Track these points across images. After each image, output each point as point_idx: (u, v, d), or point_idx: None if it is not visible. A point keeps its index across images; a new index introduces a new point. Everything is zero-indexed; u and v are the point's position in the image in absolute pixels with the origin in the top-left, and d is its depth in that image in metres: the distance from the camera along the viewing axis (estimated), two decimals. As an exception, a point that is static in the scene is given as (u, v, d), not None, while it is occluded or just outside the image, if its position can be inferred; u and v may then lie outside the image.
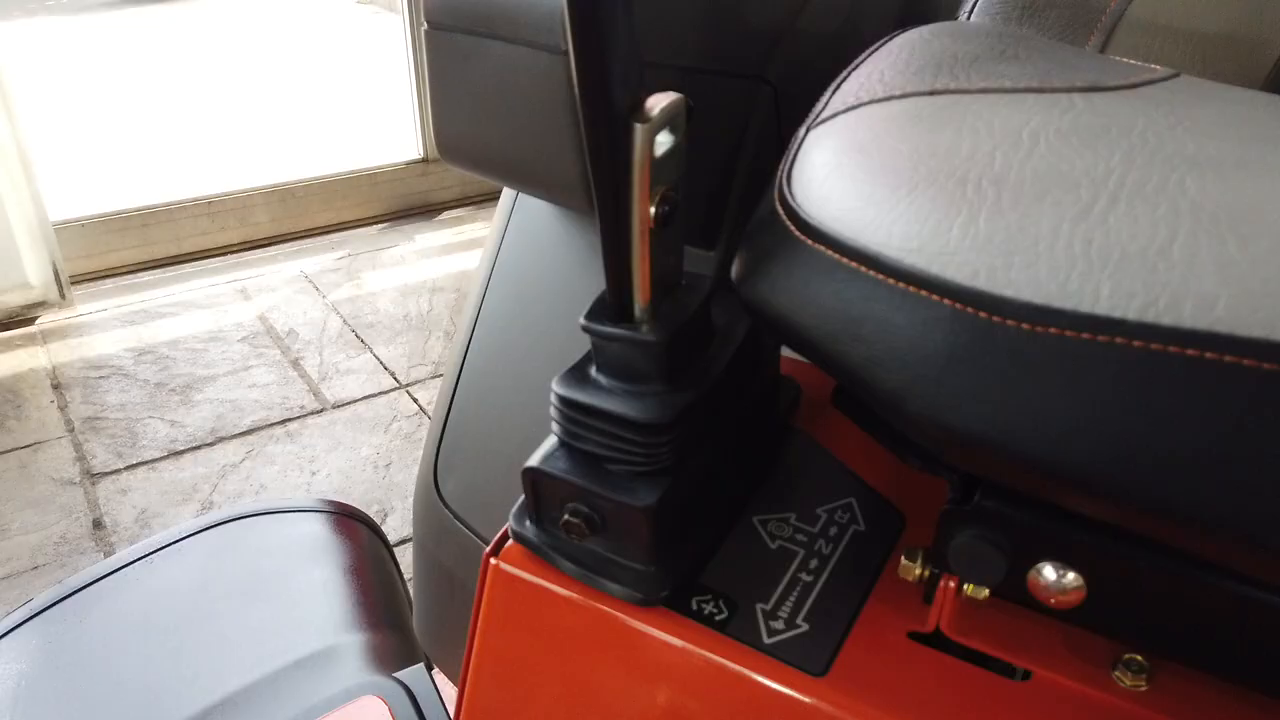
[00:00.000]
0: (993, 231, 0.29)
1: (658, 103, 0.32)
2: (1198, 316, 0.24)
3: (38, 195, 2.01)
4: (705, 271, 0.43)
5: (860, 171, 0.33)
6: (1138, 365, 0.25)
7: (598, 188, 0.32)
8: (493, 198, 2.80)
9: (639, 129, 0.31)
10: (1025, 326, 0.27)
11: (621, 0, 0.29)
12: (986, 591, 0.35)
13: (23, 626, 0.85)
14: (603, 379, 0.38)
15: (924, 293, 0.29)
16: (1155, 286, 0.25)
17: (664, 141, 0.33)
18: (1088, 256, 0.27)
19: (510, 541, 0.42)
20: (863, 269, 0.31)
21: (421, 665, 0.78)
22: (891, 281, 0.30)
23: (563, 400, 0.38)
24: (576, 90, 0.30)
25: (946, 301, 0.28)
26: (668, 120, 0.32)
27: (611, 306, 0.36)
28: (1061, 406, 0.26)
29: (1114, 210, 0.28)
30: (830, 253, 0.32)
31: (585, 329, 0.37)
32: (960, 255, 0.29)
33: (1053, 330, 0.26)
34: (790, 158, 0.36)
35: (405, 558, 1.41)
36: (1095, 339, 0.26)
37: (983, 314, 0.27)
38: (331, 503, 1.01)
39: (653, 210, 0.33)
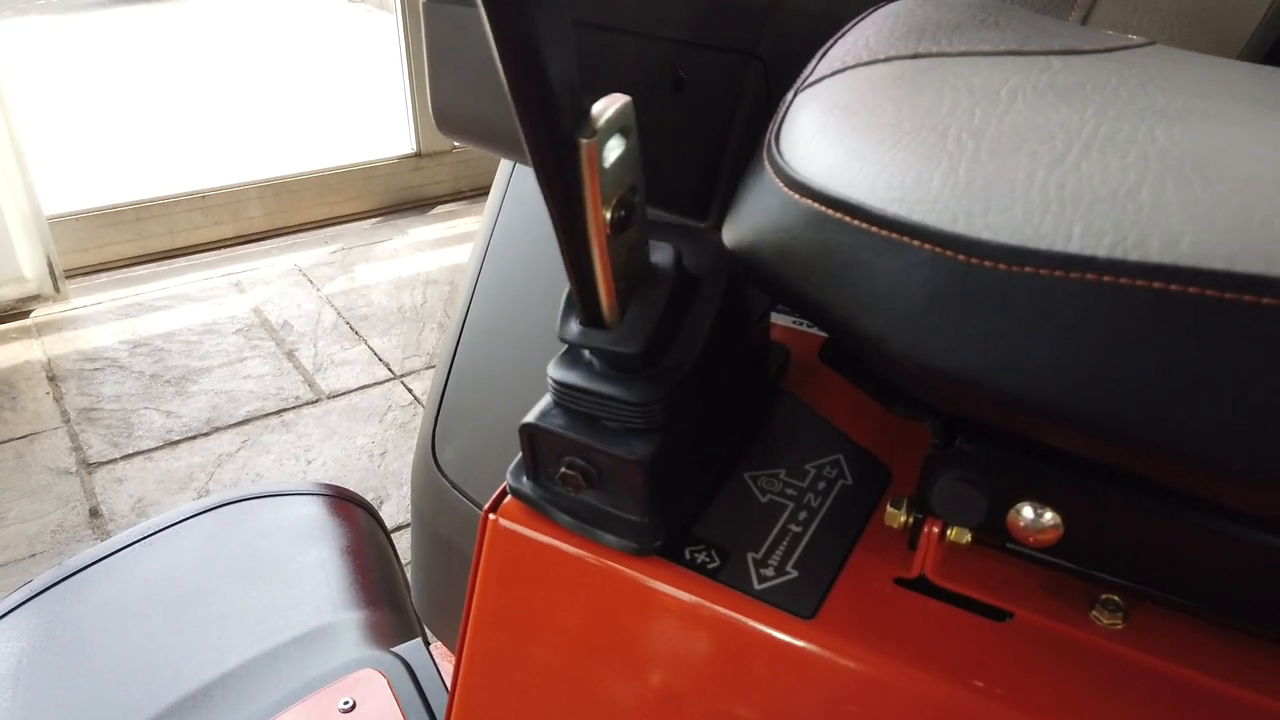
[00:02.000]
0: (971, 180, 0.30)
1: (603, 110, 0.31)
2: (1164, 251, 0.26)
3: (32, 189, 2.01)
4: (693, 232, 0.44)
5: (846, 129, 0.34)
6: (1108, 299, 0.26)
7: (551, 205, 0.32)
8: (485, 192, 2.81)
9: (584, 145, 0.30)
10: (1002, 267, 0.28)
11: (548, 20, 0.28)
12: (969, 536, 0.37)
13: (23, 606, 0.86)
14: (596, 362, 0.39)
15: (906, 239, 0.30)
16: (1124, 225, 0.27)
17: (614, 147, 0.32)
18: (1061, 200, 0.28)
19: (508, 498, 0.43)
20: (848, 219, 0.32)
21: (419, 640, 0.79)
22: (875, 230, 0.31)
23: (559, 384, 0.39)
24: (515, 115, 0.29)
25: (927, 246, 0.29)
26: (614, 129, 0.32)
27: (581, 312, 0.37)
28: (1037, 342, 0.27)
29: (1086, 158, 0.29)
30: (817, 206, 0.33)
31: (561, 339, 0.38)
32: (940, 203, 0.30)
33: (1028, 269, 0.28)
34: (779, 119, 0.38)
35: (401, 543, 1.42)
36: (1068, 276, 0.27)
37: (961, 256, 0.29)
38: (328, 486, 1.02)
39: (609, 216, 0.33)
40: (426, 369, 1.91)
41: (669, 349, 0.39)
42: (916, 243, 0.30)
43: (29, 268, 2.06)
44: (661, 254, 0.39)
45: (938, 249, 0.29)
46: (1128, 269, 0.26)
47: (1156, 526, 0.32)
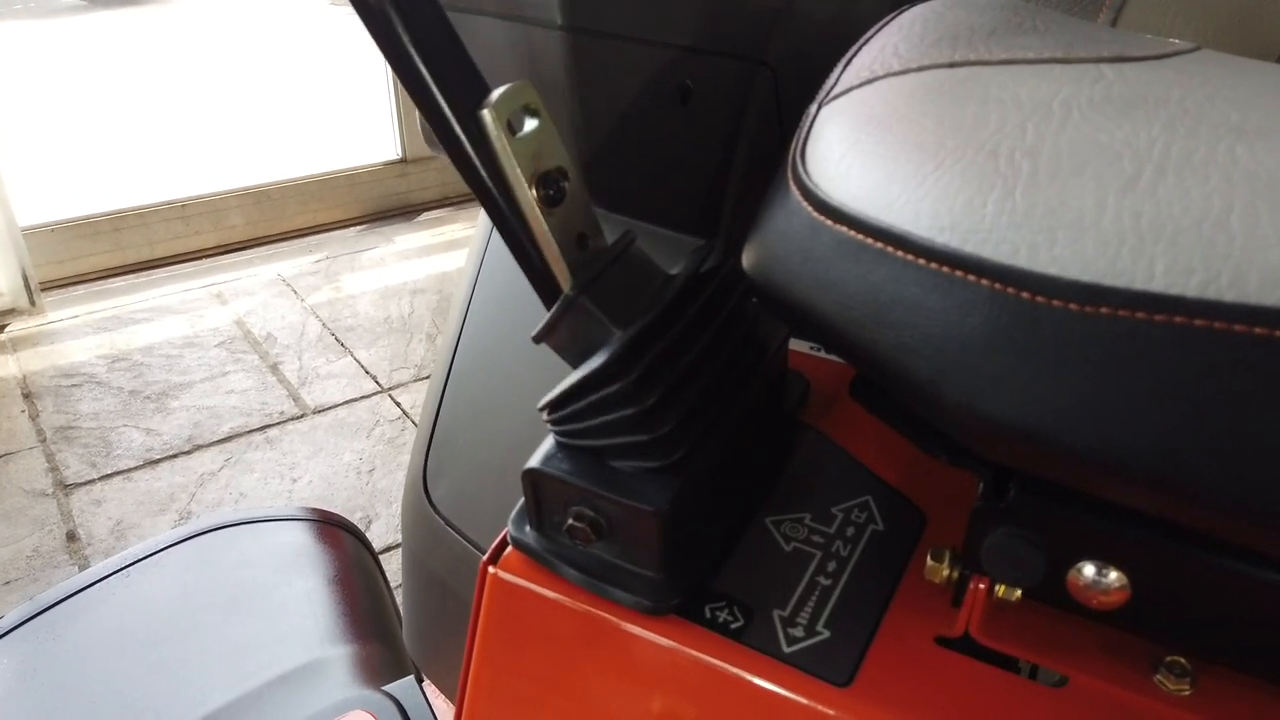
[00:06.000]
0: (1031, 206, 0.27)
1: (498, 90, 0.34)
2: (1265, 291, 0.23)
3: (6, 200, 1.95)
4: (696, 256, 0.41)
5: (881, 147, 0.31)
6: (1201, 346, 0.23)
7: (475, 188, 0.34)
8: (473, 198, 2.77)
9: (484, 114, 0.33)
10: (1073, 307, 0.25)
11: (422, 23, 0.32)
12: (1019, 592, 0.33)
13: (-7, 645, 0.82)
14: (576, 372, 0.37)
15: (959, 273, 0.27)
16: (1215, 261, 0.23)
17: (526, 125, 0.35)
18: (1138, 231, 0.25)
19: (509, 549, 0.39)
20: (890, 249, 0.28)
21: (411, 678, 0.75)
22: (923, 262, 0.28)
23: (550, 406, 0.37)
24: (417, 108, 0.33)
25: (984, 282, 0.26)
26: (513, 103, 0.34)
27: (543, 299, 0.37)
28: (1116, 393, 0.24)
29: (1162, 182, 0.26)
30: (853, 233, 0.30)
31: (535, 339, 0.38)
32: (997, 232, 0.26)
33: (1104, 310, 0.24)
34: (803, 135, 0.34)
35: (391, 565, 1.38)
36: (1152, 319, 0.24)
37: (1025, 294, 0.25)
38: (314, 510, 0.98)
39: (534, 193, 0.34)
40: (415, 381, 1.87)
41: (632, 313, 0.37)
42: (972, 278, 0.26)
43: (3, 281, 2.00)
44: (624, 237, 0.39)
45: (997, 285, 0.26)
46: (1223, 311, 0.23)
47: (1237, 591, 0.29)
